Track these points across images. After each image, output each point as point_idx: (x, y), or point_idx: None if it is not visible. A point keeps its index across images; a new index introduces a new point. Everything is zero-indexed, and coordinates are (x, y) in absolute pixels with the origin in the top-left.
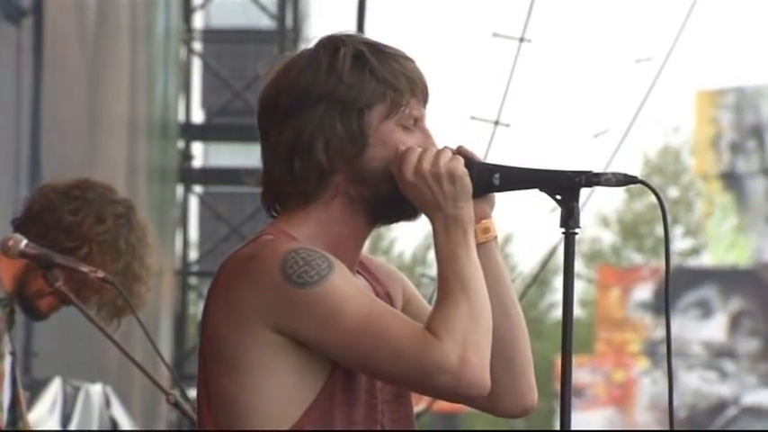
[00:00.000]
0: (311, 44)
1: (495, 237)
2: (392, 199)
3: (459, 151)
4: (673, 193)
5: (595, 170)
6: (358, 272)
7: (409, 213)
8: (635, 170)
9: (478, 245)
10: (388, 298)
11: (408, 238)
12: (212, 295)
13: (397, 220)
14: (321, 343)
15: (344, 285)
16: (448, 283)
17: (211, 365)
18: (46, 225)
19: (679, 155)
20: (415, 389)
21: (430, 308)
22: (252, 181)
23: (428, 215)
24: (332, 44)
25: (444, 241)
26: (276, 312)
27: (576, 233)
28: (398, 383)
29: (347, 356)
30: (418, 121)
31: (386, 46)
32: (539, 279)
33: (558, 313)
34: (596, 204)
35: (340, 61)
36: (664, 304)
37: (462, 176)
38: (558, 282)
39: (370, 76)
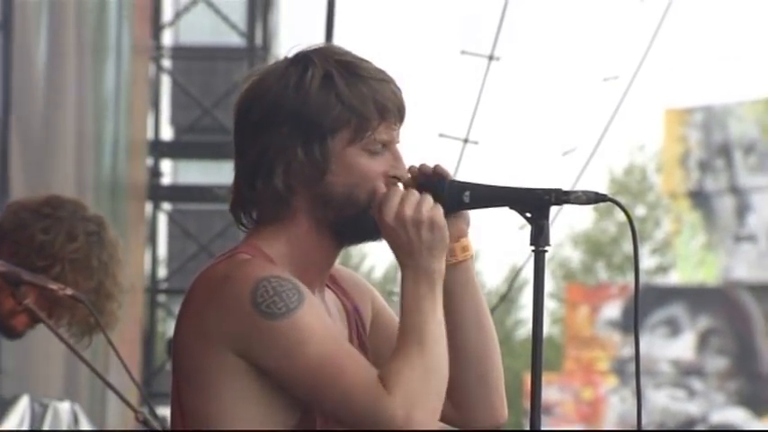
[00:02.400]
0: (288, 55)
1: (473, 255)
2: (357, 222)
3: (437, 170)
4: (640, 211)
5: (565, 188)
6: (327, 286)
7: (375, 235)
8: (601, 188)
9: (458, 263)
10: (356, 313)
11: (379, 254)
12: (184, 313)
13: (363, 241)
14: (278, 374)
15: (311, 320)
16: (407, 336)
17: (184, 383)
18: (18, 244)
19: (645, 173)
20: (357, 429)
21: (397, 321)
22: (223, 193)
23: (400, 261)
24: (303, 62)
25: (411, 292)
26: (241, 339)
27: (546, 251)
28: (343, 425)
29: (299, 390)
30: (388, 144)
31: (362, 67)
32: (507, 297)
33: (525, 330)
34: (567, 223)
35: (307, 81)
36: (632, 322)
37: (443, 227)
38: (526, 299)
39: (336, 101)
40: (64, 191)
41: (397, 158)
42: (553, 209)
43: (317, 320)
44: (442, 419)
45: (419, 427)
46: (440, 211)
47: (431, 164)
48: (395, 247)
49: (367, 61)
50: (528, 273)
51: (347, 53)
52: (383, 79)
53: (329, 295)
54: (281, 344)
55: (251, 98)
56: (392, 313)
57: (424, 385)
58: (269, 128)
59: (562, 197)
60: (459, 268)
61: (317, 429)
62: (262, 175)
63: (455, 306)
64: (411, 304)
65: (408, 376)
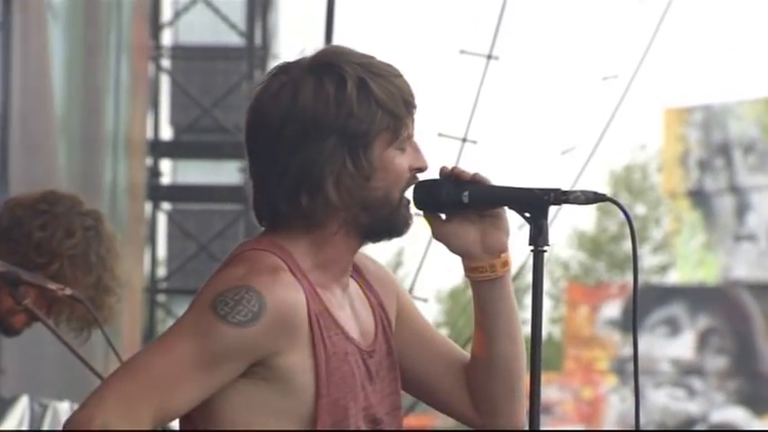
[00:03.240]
0: (306, 62)
1: (510, 268)
2: (390, 221)
3: (475, 178)
4: (640, 210)
5: (564, 188)
6: (351, 277)
7: (403, 231)
8: (601, 187)
9: (497, 278)
10: (381, 308)
11: (377, 255)
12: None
13: (391, 239)
14: None
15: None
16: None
17: None
18: (16, 241)
19: (646, 172)
20: None
21: (424, 321)
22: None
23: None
24: (336, 72)
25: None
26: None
27: (545, 251)
28: None
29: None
30: (410, 138)
31: (378, 65)
32: None
33: (525, 330)
34: (568, 222)
35: (348, 93)
36: (632, 322)
37: None
38: (526, 299)
39: (376, 106)
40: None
41: (416, 149)
42: (552, 209)
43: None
44: (463, 421)
45: None
46: None
47: (429, 163)
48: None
49: (376, 58)
50: (528, 272)
51: (360, 54)
52: (398, 75)
53: (354, 287)
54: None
55: (284, 112)
56: (417, 310)
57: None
58: (312, 141)
59: (561, 197)
60: (497, 283)
61: (317, 430)
62: (308, 189)
63: (491, 319)
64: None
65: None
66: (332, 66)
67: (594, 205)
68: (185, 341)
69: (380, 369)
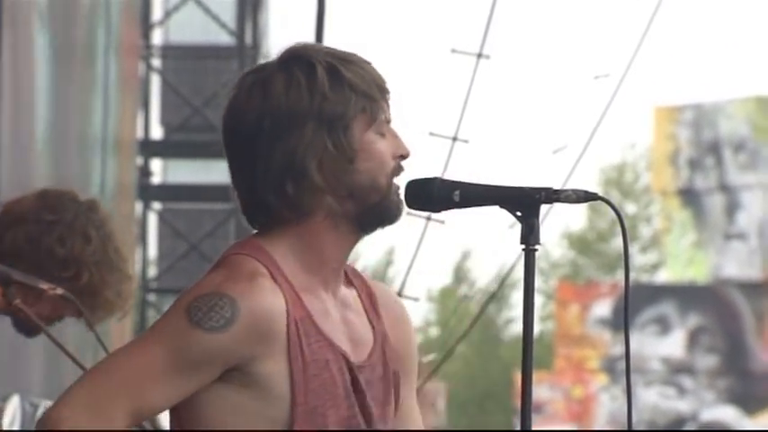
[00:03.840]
0: (274, 60)
1: None
2: (380, 208)
3: None
4: (630, 208)
5: (555, 186)
6: (353, 287)
7: (395, 218)
8: (591, 186)
9: None
10: (383, 337)
11: (367, 254)
12: None
13: (383, 227)
14: None
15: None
16: None
17: None
18: (37, 261)
19: (636, 170)
20: None
21: (414, 397)
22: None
23: None
24: (304, 61)
25: None
26: None
27: (536, 249)
28: None
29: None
30: (388, 123)
31: (346, 54)
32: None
33: (516, 329)
34: (558, 221)
35: (319, 79)
36: (623, 320)
37: None
38: (516, 297)
39: (350, 90)
40: None
41: (396, 136)
42: (543, 207)
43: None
44: None
45: None
46: None
47: (419, 161)
48: None
49: (342, 50)
50: (518, 271)
51: (326, 46)
52: (367, 62)
53: (352, 297)
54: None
55: (258, 110)
56: (415, 384)
57: None
58: (291, 130)
59: (552, 196)
60: None
61: (321, 429)
62: (293, 176)
63: None
64: None
65: None
66: (300, 57)
67: (585, 204)
68: (159, 344)
69: (371, 388)
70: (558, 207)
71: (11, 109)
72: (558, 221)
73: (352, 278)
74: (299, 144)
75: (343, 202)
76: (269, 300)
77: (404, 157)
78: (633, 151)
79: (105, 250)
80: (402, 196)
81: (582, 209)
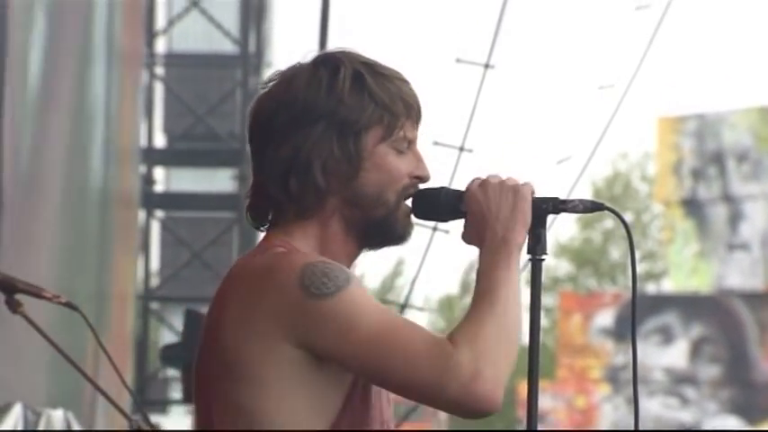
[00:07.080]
0: (308, 60)
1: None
2: (385, 224)
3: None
4: (629, 218)
5: (562, 197)
6: None
7: (399, 239)
8: (593, 195)
9: None
10: None
11: (376, 270)
12: (224, 306)
13: (387, 245)
14: (337, 354)
15: (361, 297)
16: (478, 299)
17: (223, 377)
18: None
19: (638, 180)
20: (426, 399)
21: None
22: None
23: (480, 232)
24: (332, 63)
25: (487, 259)
26: (295, 326)
27: (543, 260)
28: (412, 394)
29: (363, 367)
30: (411, 144)
31: (383, 67)
32: None
33: (522, 339)
34: (555, 231)
35: (340, 81)
36: (626, 330)
37: (526, 198)
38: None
39: (369, 99)
40: (53, 198)
41: (419, 158)
42: (549, 218)
43: (366, 297)
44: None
45: (487, 386)
46: (529, 187)
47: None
48: (475, 216)
49: (384, 64)
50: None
51: (367, 57)
52: (404, 80)
53: None
54: (335, 321)
55: (277, 100)
56: None
57: (495, 344)
58: (302, 126)
59: (559, 206)
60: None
61: (347, 429)
62: (297, 172)
63: None
64: (485, 270)
65: (477, 333)
66: (331, 59)
67: (574, 216)
68: (364, 315)
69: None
70: (549, 219)
71: (14, 114)
72: (552, 231)
73: None
74: (306, 141)
75: (351, 209)
76: None
77: (421, 179)
78: (636, 161)
79: None
80: (412, 216)
81: (572, 221)
